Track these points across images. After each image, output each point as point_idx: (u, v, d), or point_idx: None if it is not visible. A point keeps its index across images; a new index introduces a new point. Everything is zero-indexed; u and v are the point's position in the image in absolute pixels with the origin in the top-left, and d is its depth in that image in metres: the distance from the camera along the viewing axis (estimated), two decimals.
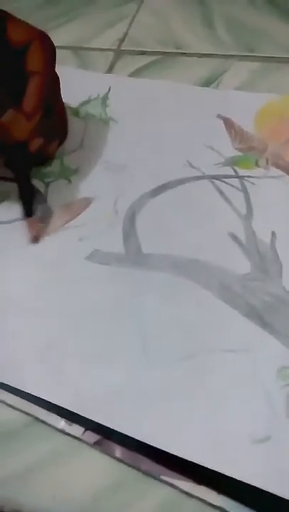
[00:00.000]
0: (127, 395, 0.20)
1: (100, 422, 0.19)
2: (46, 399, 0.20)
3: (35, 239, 0.25)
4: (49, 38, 0.25)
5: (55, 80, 0.27)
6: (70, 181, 0.28)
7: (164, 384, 0.20)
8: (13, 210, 0.27)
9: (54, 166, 0.29)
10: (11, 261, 0.25)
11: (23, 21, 0.25)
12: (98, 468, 0.19)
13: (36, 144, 0.26)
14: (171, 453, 0.18)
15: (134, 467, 0.19)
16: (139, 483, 0.19)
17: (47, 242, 0.25)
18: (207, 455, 0.18)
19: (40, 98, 0.25)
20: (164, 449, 0.18)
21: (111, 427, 0.19)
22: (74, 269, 0.24)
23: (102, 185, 0.27)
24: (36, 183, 0.28)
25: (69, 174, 0.28)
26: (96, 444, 0.19)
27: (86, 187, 0.27)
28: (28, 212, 0.26)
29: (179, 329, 0.21)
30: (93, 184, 0.27)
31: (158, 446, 0.19)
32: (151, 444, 0.19)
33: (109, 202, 0.26)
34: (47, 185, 0.28)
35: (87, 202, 0.27)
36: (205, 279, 0.23)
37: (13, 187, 0.27)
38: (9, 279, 0.24)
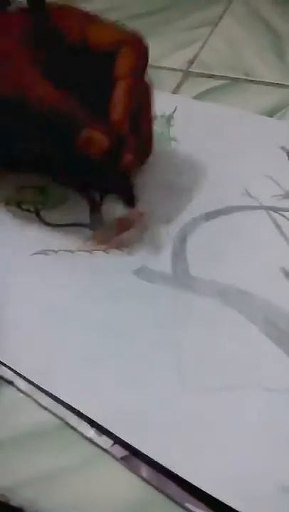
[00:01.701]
0: (156, 418, 0.20)
1: (126, 440, 0.19)
2: (75, 407, 0.20)
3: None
4: (142, 42, 0.24)
5: (145, 89, 0.25)
6: None
7: (196, 413, 0.20)
8: (68, 214, 0.27)
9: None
10: (60, 266, 0.25)
11: (111, 23, 0.24)
12: (122, 484, 0.19)
13: (127, 159, 0.24)
14: (193, 484, 0.18)
15: (158, 489, 0.18)
16: (162, 506, 0.18)
17: (97, 251, 0.26)
18: (231, 493, 0.17)
19: (127, 106, 0.23)
20: (186, 479, 0.18)
21: (136, 447, 0.19)
22: (120, 282, 0.24)
23: (157, 202, 0.28)
24: (92, 192, 0.28)
25: None
26: (123, 460, 0.19)
27: (141, 202, 0.27)
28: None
29: (217, 359, 0.21)
30: (148, 200, 0.28)
31: (180, 475, 0.18)
32: (174, 471, 0.18)
33: (162, 220, 0.27)
34: (102, 195, 0.28)
35: (140, 217, 0.27)
36: (250, 312, 0.22)
37: (69, 191, 0.28)
38: (57, 285, 0.24)
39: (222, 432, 0.19)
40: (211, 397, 0.20)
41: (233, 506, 0.17)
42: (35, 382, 0.21)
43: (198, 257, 0.25)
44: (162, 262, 0.25)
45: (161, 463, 0.18)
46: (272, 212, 0.26)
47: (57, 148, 0.25)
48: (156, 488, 0.18)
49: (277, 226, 0.26)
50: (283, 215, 0.26)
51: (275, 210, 0.26)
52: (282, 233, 0.25)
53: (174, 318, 0.23)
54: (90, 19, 0.24)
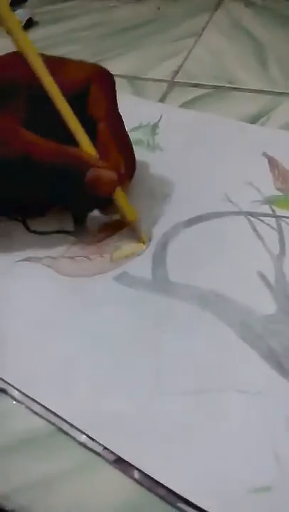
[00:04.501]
0: (133, 423, 0.20)
1: (106, 446, 0.19)
2: (58, 413, 0.20)
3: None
4: (107, 73, 0.25)
5: (118, 117, 0.26)
6: None
7: (171, 417, 0.20)
8: (53, 222, 0.28)
9: None
10: (43, 272, 0.26)
11: (75, 61, 0.25)
12: (116, 487, 0.19)
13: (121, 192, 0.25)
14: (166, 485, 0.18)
15: (151, 491, 0.19)
16: (155, 508, 0.18)
17: (79, 258, 0.26)
18: (204, 496, 0.18)
19: (115, 145, 0.24)
20: (162, 483, 0.18)
21: (116, 452, 0.19)
22: (100, 288, 0.25)
23: (139, 209, 0.28)
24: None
25: None
26: (115, 463, 0.19)
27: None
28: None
29: (194, 362, 0.21)
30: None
31: (157, 479, 0.18)
32: (151, 476, 0.18)
33: (144, 226, 0.27)
34: None
35: (122, 224, 0.28)
36: (227, 316, 0.23)
37: None
38: (39, 291, 0.25)
39: (196, 434, 0.19)
40: (186, 400, 0.20)
41: (204, 507, 0.17)
42: (19, 387, 0.21)
43: (178, 262, 0.25)
44: (143, 267, 0.25)
45: (136, 466, 0.19)
46: (251, 218, 0.27)
47: (64, 192, 0.25)
48: (149, 490, 0.19)
49: (255, 231, 0.26)
50: (262, 220, 0.27)
51: (254, 215, 0.27)
52: (260, 238, 0.26)
53: (152, 322, 0.23)
54: (52, 64, 0.24)
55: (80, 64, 0.25)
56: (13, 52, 0.24)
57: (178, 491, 0.18)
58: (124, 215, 0.26)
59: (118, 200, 0.25)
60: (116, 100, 0.26)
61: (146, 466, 0.19)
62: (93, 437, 0.20)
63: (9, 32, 0.22)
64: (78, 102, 0.24)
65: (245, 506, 0.17)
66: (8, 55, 0.25)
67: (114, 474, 0.19)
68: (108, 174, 0.24)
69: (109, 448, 0.19)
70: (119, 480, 0.19)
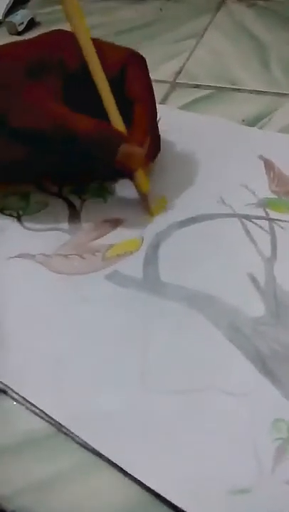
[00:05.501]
0: (118, 422, 0.20)
1: (92, 445, 0.19)
2: (48, 413, 0.20)
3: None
4: (141, 56, 0.26)
5: (153, 99, 0.27)
6: (105, 201, 0.29)
7: (156, 417, 0.20)
8: (48, 220, 0.28)
9: (93, 185, 0.30)
10: (36, 269, 0.26)
11: (109, 43, 0.25)
12: (116, 488, 0.19)
13: (149, 169, 0.26)
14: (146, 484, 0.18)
15: (150, 492, 0.18)
16: (154, 509, 0.18)
17: (72, 256, 0.26)
18: (185, 497, 0.18)
19: (147, 126, 0.25)
20: (146, 484, 0.18)
21: (100, 451, 0.19)
22: (92, 287, 0.25)
23: (134, 209, 0.28)
24: (73, 198, 0.29)
25: (106, 194, 0.29)
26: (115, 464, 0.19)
27: (119, 209, 0.28)
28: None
29: (180, 362, 0.21)
30: (126, 207, 0.28)
31: (141, 479, 0.18)
32: (135, 476, 0.19)
33: (137, 226, 0.27)
34: (83, 201, 0.29)
35: (116, 223, 0.28)
36: (216, 317, 0.23)
37: (50, 198, 0.29)
38: (31, 288, 0.25)
39: (179, 433, 0.19)
40: (172, 400, 0.20)
41: (182, 507, 0.17)
42: (14, 388, 0.21)
43: (170, 263, 0.25)
44: (134, 267, 0.25)
45: (120, 465, 0.19)
46: (244, 220, 0.27)
47: (94, 165, 0.26)
48: (149, 491, 0.18)
49: (248, 233, 0.26)
50: (255, 223, 0.27)
51: (248, 218, 0.27)
52: (252, 240, 0.26)
53: (142, 322, 0.23)
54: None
55: (115, 47, 0.26)
56: (50, 32, 0.26)
57: (159, 491, 0.18)
58: (139, 187, 0.27)
59: (138, 173, 0.26)
60: (151, 82, 0.26)
61: (125, 463, 0.19)
62: (85, 438, 0.20)
63: (66, 12, 0.23)
64: (113, 84, 0.25)
65: (225, 508, 0.17)
66: (44, 34, 0.26)
67: (115, 475, 0.19)
68: (138, 150, 0.24)
69: (94, 447, 0.19)
70: (119, 481, 0.19)
